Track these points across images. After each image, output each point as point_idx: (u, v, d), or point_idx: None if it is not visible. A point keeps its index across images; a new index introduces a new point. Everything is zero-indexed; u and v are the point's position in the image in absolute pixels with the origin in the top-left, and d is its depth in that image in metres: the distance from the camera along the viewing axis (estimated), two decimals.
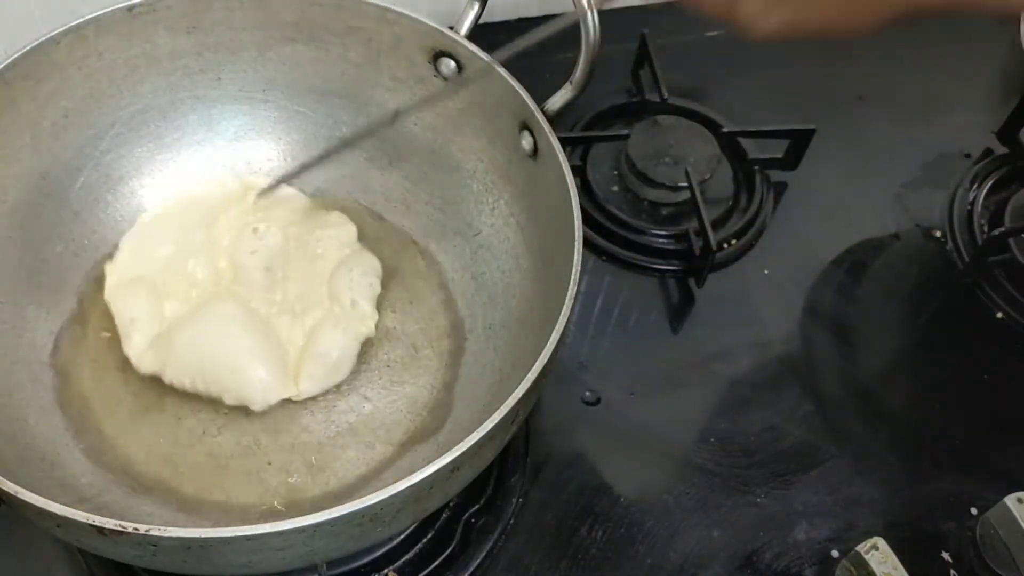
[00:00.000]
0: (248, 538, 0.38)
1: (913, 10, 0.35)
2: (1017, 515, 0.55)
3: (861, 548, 0.54)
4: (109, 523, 0.38)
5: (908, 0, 0.35)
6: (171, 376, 0.57)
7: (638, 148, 0.74)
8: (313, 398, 0.58)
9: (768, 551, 0.58)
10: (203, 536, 0.38)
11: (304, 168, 0.62)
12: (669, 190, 0.73)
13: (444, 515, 0.57)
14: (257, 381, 0.56)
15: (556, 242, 0.52)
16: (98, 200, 0.62)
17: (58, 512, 0.39)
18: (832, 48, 0.70)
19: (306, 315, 0.60)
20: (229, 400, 0.56)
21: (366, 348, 0.60)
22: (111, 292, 0.60)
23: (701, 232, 0.69)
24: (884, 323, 0.71)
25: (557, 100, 0.55)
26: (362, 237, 0.65)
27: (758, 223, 0.74)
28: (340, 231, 0.63)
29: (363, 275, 0.61)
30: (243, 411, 0.57)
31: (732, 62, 0.83)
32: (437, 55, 0.59)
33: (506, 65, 0.54)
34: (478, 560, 0.56)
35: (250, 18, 0.60)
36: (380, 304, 0.62)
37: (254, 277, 0.61)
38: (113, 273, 0.60)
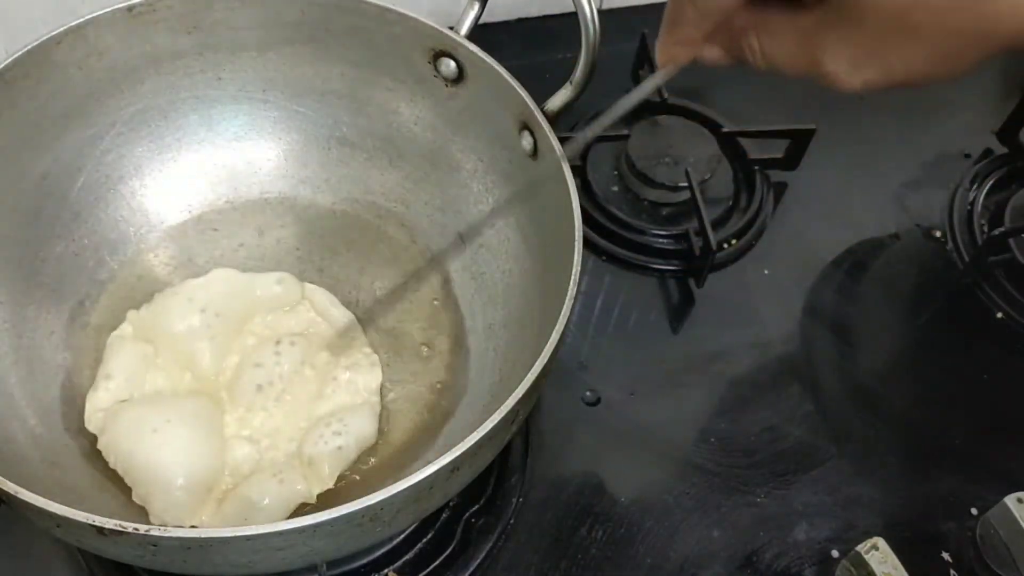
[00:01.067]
0: (248, 538, 0.38)
1: (1009, 46, 0.33)
2: (1017, 515, 0.55)
3: (861, 548, 0.54)
4: (109, 523, 0.38)
5: (1004, 39, 0.32)
6: (102, 443, 0.54)
7: (638, 148, 0.74)
8: None
9: (768, 551, 0.58)
10: (203, 536, 0.38)
11: None
12: (669, 190, 0.73)
13: (444, 515, 0.57)
14: (170, 495, 0.51)
15: (556, 242, 0.52)
16: (98, 200, 0.62)
17: (58, 512, 0.39)
18: None
19: (266, 452, 0.55)
20: (136, 496, 0.52)
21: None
22: (116, 339, 0.58)
23: (701, 232, 0.69)
24: (884, 323, 0.71)
25: (557, 100, 0.55)
26: (362, 238, 0.65)
27: (758, 223, 0.74)
28: (365, 378, 0.58)
29: (336, 435, 0.55)
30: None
31: None
32: (437, 55, 0.59)
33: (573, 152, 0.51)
34: (478, 560, 0.56)
35: (250, 18, 0.60)
36: (382, 305, 0.62)
37: (245, 391, 0.56)
38: (130, 324, 0.59)
